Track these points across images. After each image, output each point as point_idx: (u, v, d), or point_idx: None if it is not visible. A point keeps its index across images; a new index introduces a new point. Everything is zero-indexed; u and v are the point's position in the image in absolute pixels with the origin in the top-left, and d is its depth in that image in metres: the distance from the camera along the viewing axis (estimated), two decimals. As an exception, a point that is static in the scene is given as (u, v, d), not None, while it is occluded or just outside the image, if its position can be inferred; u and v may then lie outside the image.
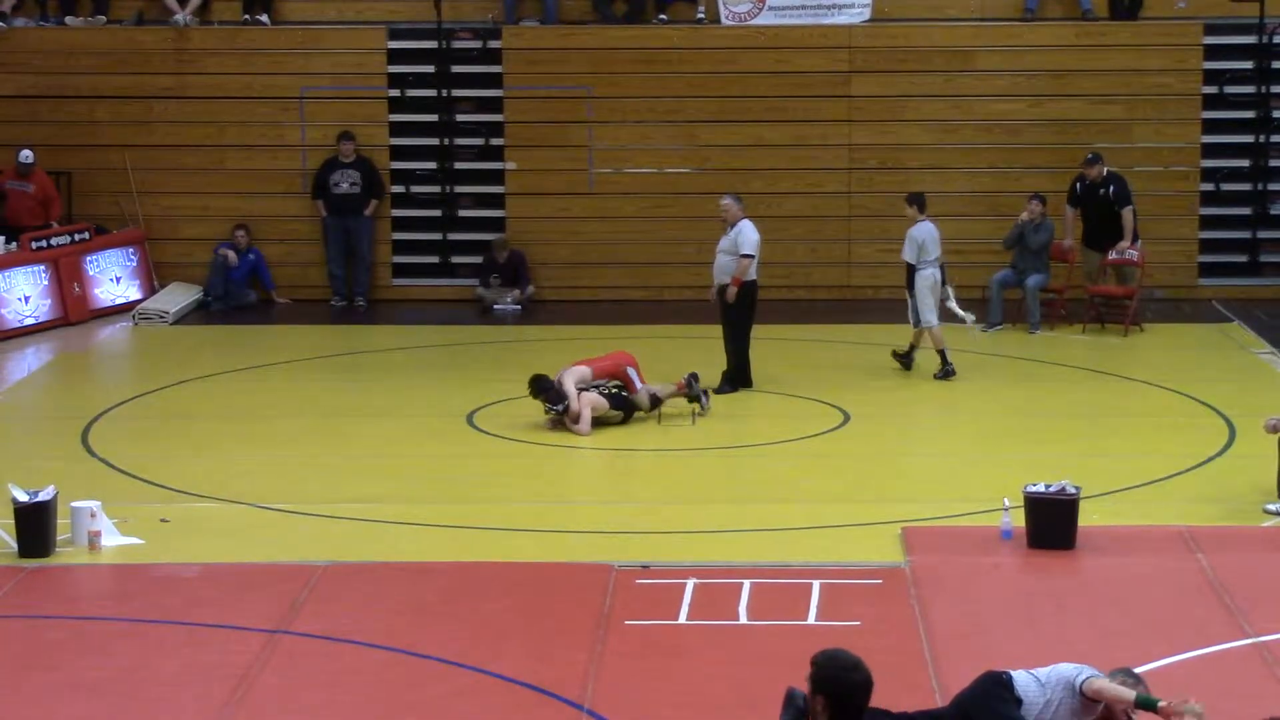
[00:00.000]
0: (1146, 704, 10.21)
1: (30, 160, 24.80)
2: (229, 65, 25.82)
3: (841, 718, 7.14)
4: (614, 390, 18.57)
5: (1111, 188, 23.57)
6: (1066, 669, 10.54)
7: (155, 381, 20.99)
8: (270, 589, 13.57)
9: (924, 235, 20.82)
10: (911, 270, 20.75)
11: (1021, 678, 10.66)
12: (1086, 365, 21.41)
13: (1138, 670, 11.41)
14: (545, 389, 18.30)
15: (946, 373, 20.52)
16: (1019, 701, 10.63)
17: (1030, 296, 22.98)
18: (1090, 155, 23.74)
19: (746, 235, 19.75)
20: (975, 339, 22.72)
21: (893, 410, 19.38)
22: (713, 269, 20.09)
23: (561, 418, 18.28)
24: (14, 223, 24.59)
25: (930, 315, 20.55)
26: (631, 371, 18.74)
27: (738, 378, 19.90)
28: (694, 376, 18.92)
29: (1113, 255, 23.45)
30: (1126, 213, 23.48)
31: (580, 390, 18.33)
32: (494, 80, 25.81)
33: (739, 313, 19.78)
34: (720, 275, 19.87)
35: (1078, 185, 23.75)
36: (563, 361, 19.09)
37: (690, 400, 18.85)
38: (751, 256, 19.72)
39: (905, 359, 20.91)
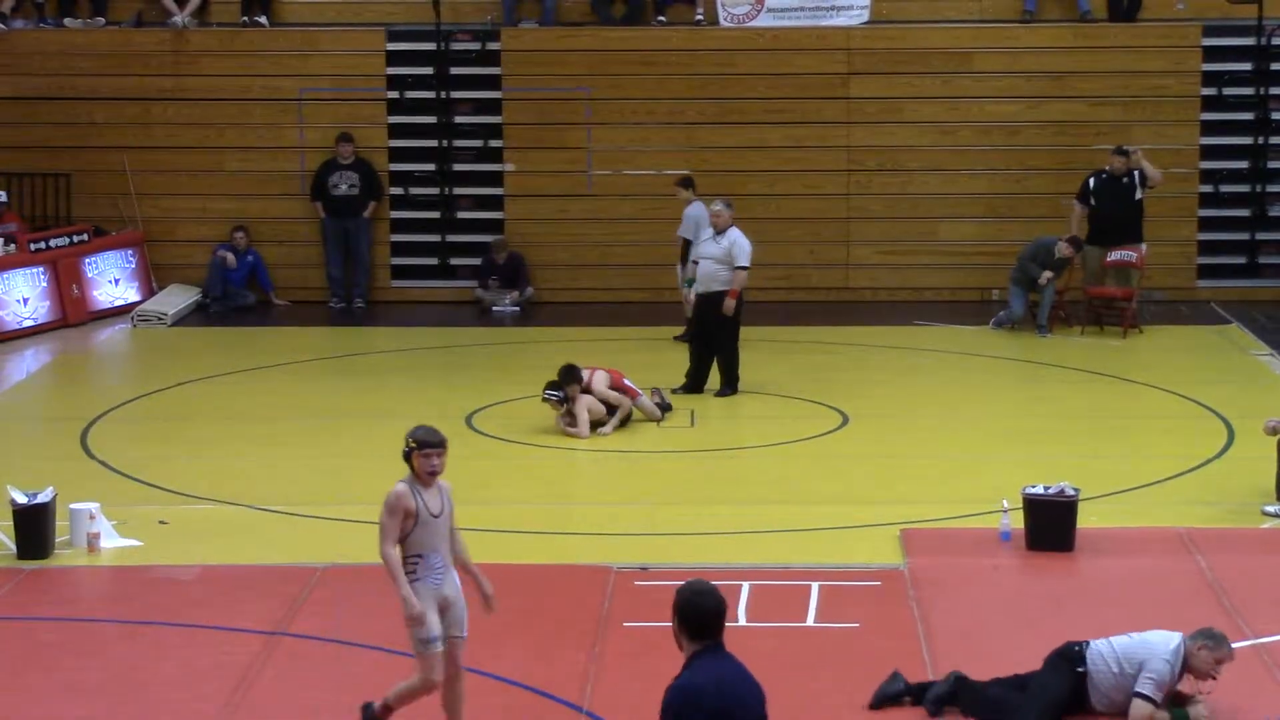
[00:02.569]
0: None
1: (4, 200, 24.77)
2: (227, 67, 25.83)
3: (700, 639, 7.66)
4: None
5: (1136, 173, 23.53)
6: (1148, 648, 11.05)
7: (154, 383, 20.99)
8: (269, 590, 13.57)
9: (701, 214, 21.72)
10: (688, 245, 21.84)
11: (1098, 649, 11.14)
12: (1085, 367, 21.41)
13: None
14: (568, 378, 18.25)
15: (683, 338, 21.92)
16: (1079, 674, 11.04)
17: (1045, 296, 22.93)
18: (1122, 147, 23.65)
19: (742, 246, 19.65)
20: (975, 341, 22.75)
21: (891, 412, 19.38)
22: (696, 272, 20.00)
23: (561, 406, 18.23)
24: None
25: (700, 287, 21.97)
26: (628, 381, 18.74)
27: (732, 381, 19.86)
28: (657, 390, 19.22)
29: (1114, 256, 23.43)
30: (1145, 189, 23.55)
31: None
32: (493, 82, 25.81)
33: (731, 320, 19.69)
34: (708, 283, 19.76)
35: (1092, 180, 23.64)
36: (561, 363, 19.10)
37: (663, 409, 18.98)
38: (748, 268, 19.68)
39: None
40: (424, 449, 10.31)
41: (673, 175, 25.39)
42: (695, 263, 20.03)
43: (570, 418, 18.30)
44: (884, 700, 11.37)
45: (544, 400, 18.36)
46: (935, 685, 11.33)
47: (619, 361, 20.12)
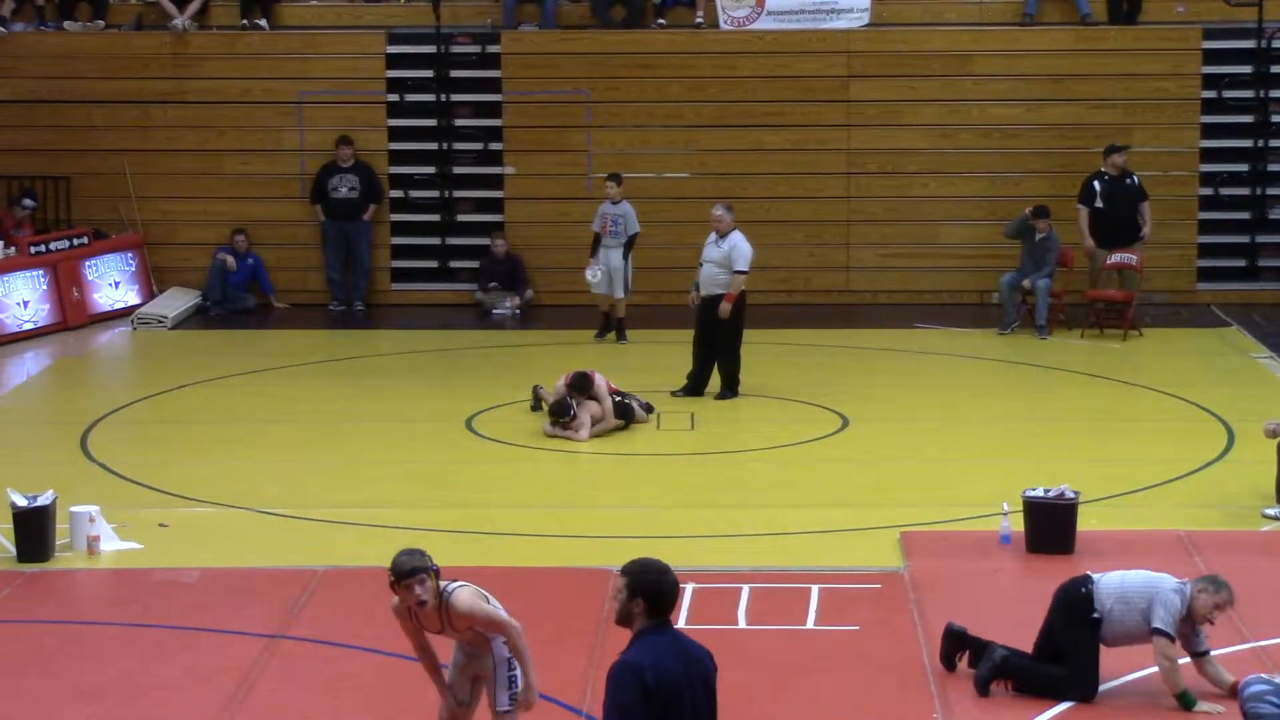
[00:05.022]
0: (1185, 701, 11.18)
1: (35, 205, 24.94)
2: (227, 70, 25.83)
3: (655, 616, 7.97)
4: (618, 400, 18.51)
5: (1136, 178, 23.58)
6: (1155, 585, 11.39)
7: (154, 386, 20.99)
8: (269, 593, 13.58)
9: (608, 210, 22.59)
10: (598, 240, 22.72)
11: (1106, 587, 11.49)
12: (1085, 370, 21.40)
13: (1138, 674, 11.53)
14: (584, 386, 18.20)
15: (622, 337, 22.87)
16: (1096, 620, 11.43)
17: (1040, 298, 22.96)
18: (1115, 145, 23.68)
19: (742, 250, 19.63)
20: (975, 344, 22.76)
21: (891, 415, 19.37)
22: (699, 276, 20.00)
23: (567, 423, 18.15)
24: None
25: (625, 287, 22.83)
26: (611, 384, 18.72)
27: (732, 384, 19.84)
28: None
29: (1114, 259, 23.43)
30: (1147, 205, 23.56)
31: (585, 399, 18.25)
32: (493, 85, 25.81)
33: (732, 324, 19.69)
34: (709, 286, 19.76)
35: (1096, 183, 23.62)
36: (562, 366, 19.09)
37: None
38: (746, 273, 19.66)
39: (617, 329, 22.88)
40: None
41: (673, 178, 25.47)
42: (700, 265, 20.04)
43: (569, 428, 18.19)
44: (948, 653, 11.87)
45: (555, 423, 18.21)
46: (981, 667, 11.67)
47: (620, 363, 20.15)
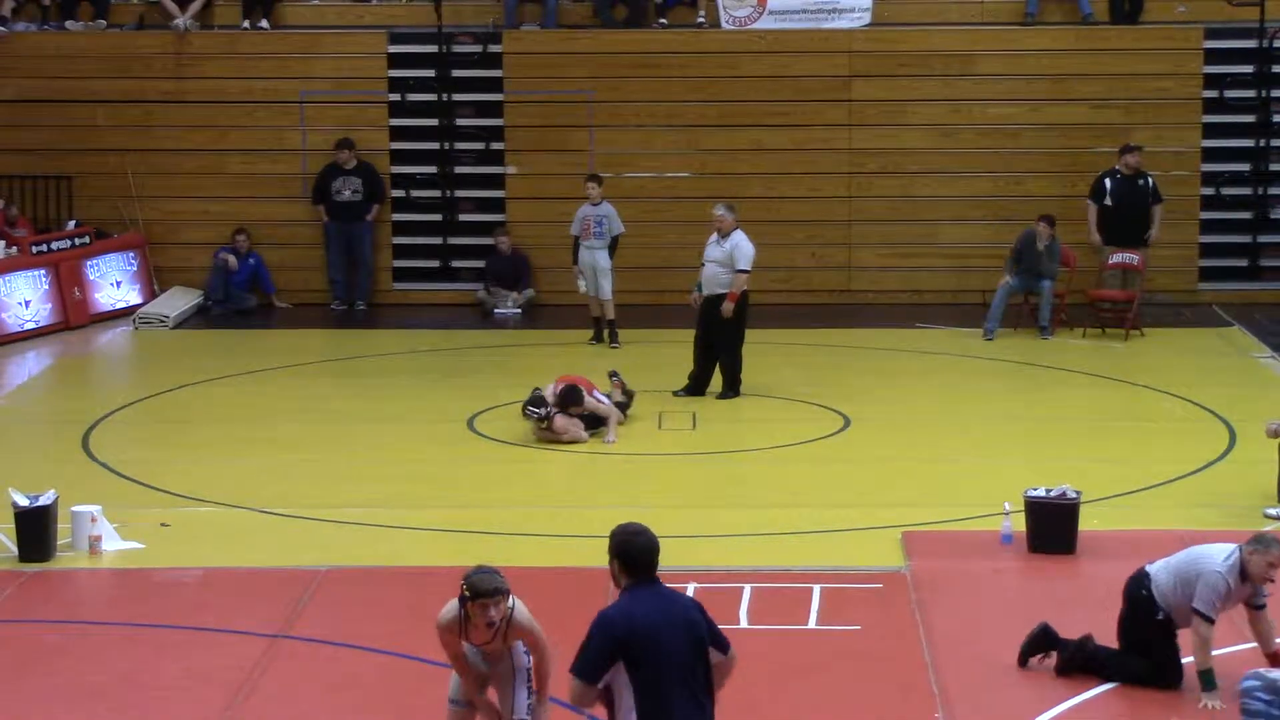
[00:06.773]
0: (1206, 679, 11.23)
1: (4, 205, 25.08)
2: (229, 69, 25.83)
3: (633, 575, 8.56)
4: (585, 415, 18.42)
5: (1150, 180, 23.62)
6: (1200, 565, 11.38)
7: (156, 386, 20.99)
8: (271, 593, 13.59)
9: (589, 212, 22.49)
10: (577, 243, 22.51)
11: (1158, 580, 11.58)
12: (1087, 370, 21.40)
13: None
14: (573, 399, 18.12)
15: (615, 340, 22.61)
16: (1164, 621, 11.51)
17: (1045, 298, 22.95)
18: (1129, 145, 23.72)
19: (743, 250, 19.62)
20: (977, 344, 22.76)
21: (893, 414, 19.38)
22: (701, 276, 20.00)
23: (545, 424, 18.06)
24: None
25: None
26: (598, 392, 18.63)
27: (734, 384, 19.84)
28: (613, 373, 19.22)
29: (1115, 259, 23.45)
30: (1160, 209, 23.61)
31: (557, 413, 18.11)
32: (494, 84, 25.81)
33: (734, 323, 19.69)
34: (711, 285, 19.76)
35: (1108, 180, 23.66)
36: (564, 367, 19.10)
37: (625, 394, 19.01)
38: (748, 272, 19.65)
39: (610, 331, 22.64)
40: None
41: (675, 178, 25.47)
42: (702, 264, 20.04)
43: (551, 433, 18.09)
44: (1028, 651, 11.86)
45: (525, 418, 18.15)
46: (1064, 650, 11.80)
47: (621, 364, 20.13)
